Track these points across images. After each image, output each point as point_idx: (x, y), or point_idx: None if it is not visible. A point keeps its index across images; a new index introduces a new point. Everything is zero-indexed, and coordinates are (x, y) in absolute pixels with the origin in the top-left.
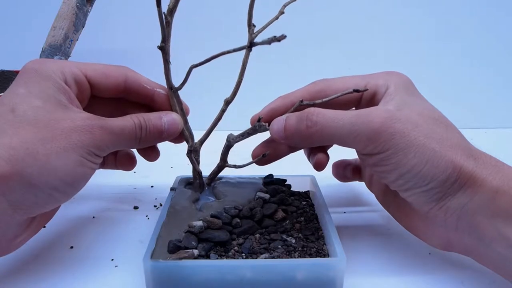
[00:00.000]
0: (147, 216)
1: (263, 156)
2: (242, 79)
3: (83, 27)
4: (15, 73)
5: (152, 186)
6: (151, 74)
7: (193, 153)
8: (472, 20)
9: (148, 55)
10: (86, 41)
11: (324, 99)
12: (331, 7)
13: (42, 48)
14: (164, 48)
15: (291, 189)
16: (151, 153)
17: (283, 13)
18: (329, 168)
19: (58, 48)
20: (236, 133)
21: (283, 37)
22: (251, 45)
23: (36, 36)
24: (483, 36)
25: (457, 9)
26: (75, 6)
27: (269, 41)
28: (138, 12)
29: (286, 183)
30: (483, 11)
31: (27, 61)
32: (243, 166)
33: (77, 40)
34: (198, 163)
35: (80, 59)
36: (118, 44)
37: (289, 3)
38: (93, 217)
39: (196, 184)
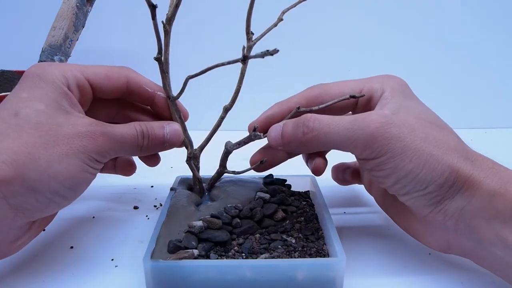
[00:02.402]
0: (147, 216)
1: (261, 163)
2: (241, 87)
3: (83, 27)
4: (16, 73)
5: (152, 186)
6: (151, 75)
7: (193, 160)
8: (472, 20)
9: (148, 55)
10: (86, 41)
11: (320, 106)
12: (330, 10)
13: (42, 48)
14: (160, 59)
15: (291, 189)
16: (152, 159)
17: (281, 20)
18: (329, 169)
19: (58, 48)
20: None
21: (275, 51)
22: (244, 58)
23: (36, 36)
24: (483, 36)
25: (457, 8)
26: (75, 6)
27: (262, 55)
28: (139, 12)
29: (286, 183)
30: (483, 11)
31: (27, 61)
32: (242, 172)
33: (77, 40)
34: (198, 169)
35: (80, 59)
36: (118, 44)
37: (288, 9)
38: (93, 217)
39: (196, 190)
